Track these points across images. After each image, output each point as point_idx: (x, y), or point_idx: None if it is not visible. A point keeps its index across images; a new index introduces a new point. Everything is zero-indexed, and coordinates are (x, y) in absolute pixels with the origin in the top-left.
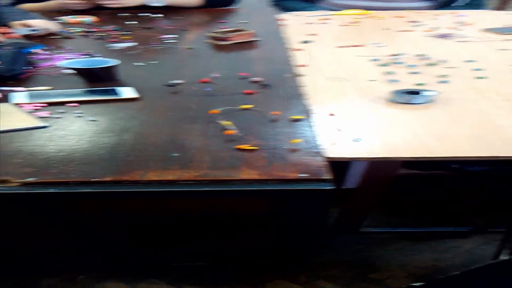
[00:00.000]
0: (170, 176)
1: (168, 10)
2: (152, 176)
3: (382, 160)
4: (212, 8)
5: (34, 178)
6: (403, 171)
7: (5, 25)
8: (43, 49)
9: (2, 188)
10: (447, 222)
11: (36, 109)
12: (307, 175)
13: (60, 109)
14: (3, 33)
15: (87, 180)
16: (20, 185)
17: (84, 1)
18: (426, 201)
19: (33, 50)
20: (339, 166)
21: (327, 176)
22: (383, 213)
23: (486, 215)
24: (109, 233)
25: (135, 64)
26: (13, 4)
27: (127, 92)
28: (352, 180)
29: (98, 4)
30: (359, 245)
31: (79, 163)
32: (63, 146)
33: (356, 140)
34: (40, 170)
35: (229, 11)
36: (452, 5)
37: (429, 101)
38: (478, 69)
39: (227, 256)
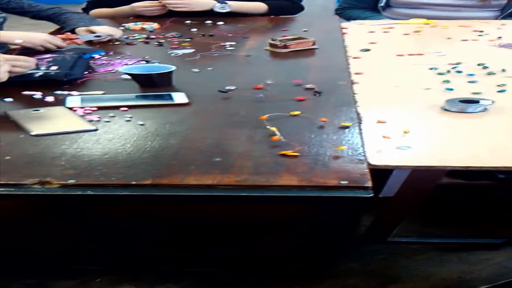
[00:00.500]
0: (209, 181)
1: (232, 18)
2: (192, 180)
3: (426, 169)
4: (276, 16)
5: (74, 180)
6: (445, 180)
7: (71, 31)
8: (101, 55)
9: (42, 189)
10: (481, 233)
11: (87, 113)
12: (348, 182)
13: (111, 113)
14: (67, 39)
15: (125, 183)
16: (59, 187)
17: (157, 7)
18: (464, 211)
19: (95, 56)
20: (381, 173)
21: (368, 184)
22: (418, 222)
23: None
24: (142, 235)
25: (192, 70)
26: (87, 9)
27: (178, 97)
28: (391, 188)
29: (170, 8)
30: (385, 255)
31: (122, 166)
32: (109, 149)
33: (403, 148)
34: (82, 172)
35: (293, 19)
36: None
37: (484, 110)
38: None
39: (255, 260)
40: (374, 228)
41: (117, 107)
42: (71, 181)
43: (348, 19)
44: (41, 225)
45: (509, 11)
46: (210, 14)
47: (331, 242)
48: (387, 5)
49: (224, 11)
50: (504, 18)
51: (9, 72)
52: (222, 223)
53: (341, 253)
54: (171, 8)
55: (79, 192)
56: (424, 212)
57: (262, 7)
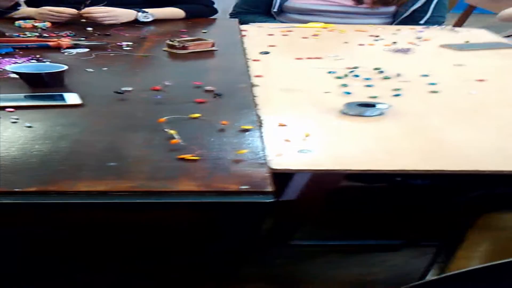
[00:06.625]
0: (102, 187)
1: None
2: (82, 186)
3: (326, 173)
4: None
5: None
6: (344, 183)
7: None
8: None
9: None
10: (380, 235)
11: None
12: (248, 187)
13: None
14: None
15: (7, 190)
16: None
17: (68, 15)
18: (363, 214)
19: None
20: (283, 177)
21: (269, 188)
22: (317, 226)
23: (421, 229)
24: (28, 248)
25: (86, 70)
26: None
27: (70, 98)
28: (293, 191)
29: (93, 20)
30: (287, 258)
31: (4, 172)
32: None
33: (303, 151)
34: None
35: (192, 21)
36: (412, 23)
37: (381, 114)
38: (432, 84)
39: (154, 270)
40: (275, 232)
41: (3, 108)
42: None
43: (243, 24)
44: None
45: (402, 17)
46: (134, 23)
47: (233, 248)
48: (281, 11)
49: (148, 20)
50: (398, 24)
51: None
52: (118, 230)
53: (244, 258)
54: (98, 21)
55: None
56: (324, 215)
57: (180, 13)
